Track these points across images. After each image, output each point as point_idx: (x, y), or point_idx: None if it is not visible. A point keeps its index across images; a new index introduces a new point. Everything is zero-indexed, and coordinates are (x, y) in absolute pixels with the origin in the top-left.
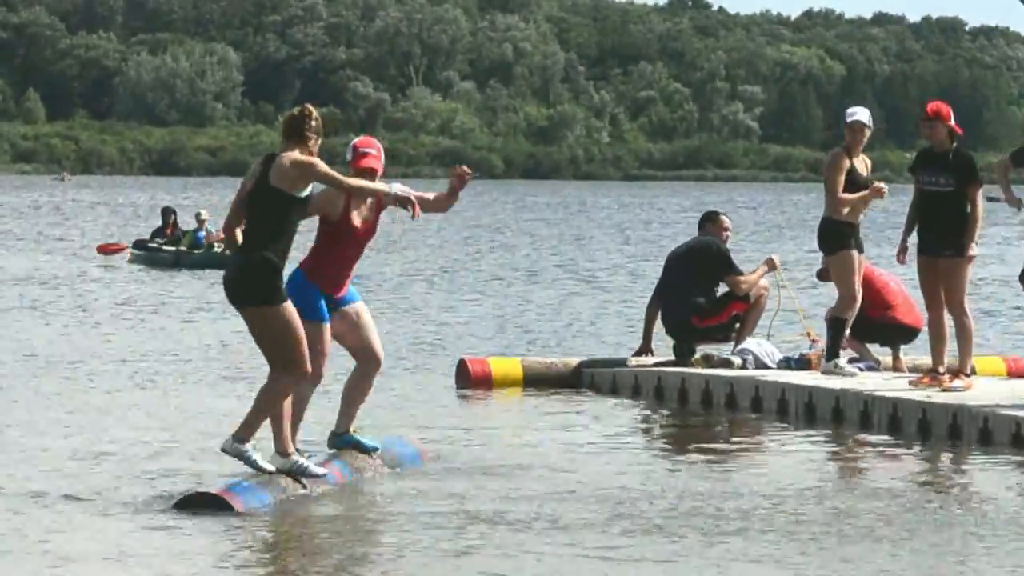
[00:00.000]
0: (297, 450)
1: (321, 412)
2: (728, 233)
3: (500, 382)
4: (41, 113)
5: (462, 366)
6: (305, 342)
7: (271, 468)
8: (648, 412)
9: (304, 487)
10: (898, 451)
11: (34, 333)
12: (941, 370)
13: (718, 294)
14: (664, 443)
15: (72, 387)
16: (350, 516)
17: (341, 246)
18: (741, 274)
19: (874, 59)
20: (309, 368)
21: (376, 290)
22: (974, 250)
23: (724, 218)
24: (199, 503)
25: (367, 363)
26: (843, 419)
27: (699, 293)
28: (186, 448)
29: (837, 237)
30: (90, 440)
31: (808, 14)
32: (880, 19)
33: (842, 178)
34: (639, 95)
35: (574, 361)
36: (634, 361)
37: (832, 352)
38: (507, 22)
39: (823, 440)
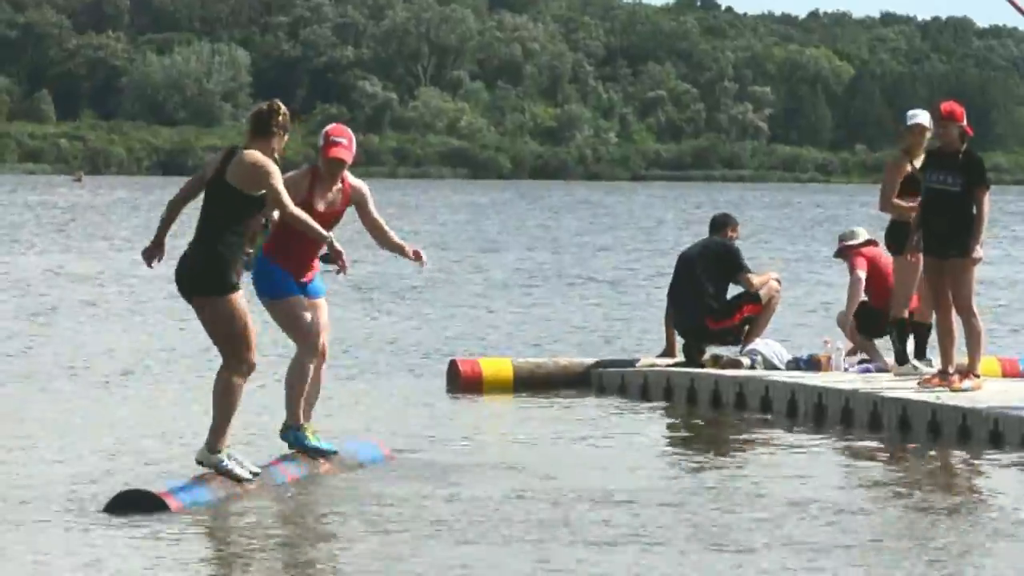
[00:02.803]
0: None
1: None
2: (737, 237)
3: (491, 383)
4: (50, 113)
5: (452, 367)
6: (254, 333)
7: (250, 473)
8: (655, 413)
9: (241, 480)
10: (908, 452)
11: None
12: (950, 371)
13: (729, 296)
14: (670, 445)
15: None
16: (292, 516)
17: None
18: (752, 272)
19: (883, 59)
20: (255, 361)
21: (381, 290)
22: (979, 252)
23: (738, 226)
24: (132, 503)
25: (306, 356)
26: (853, 420)
27: (712, 295)
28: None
29: (902, 239)
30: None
31: (816, 14)
32: (889, 19)
33: (898, 181)
34: (647, 95)
35: (565, 361)
36: (646, 361)
37: (901, 356)
38: (515, 22)
39: (832, 441)
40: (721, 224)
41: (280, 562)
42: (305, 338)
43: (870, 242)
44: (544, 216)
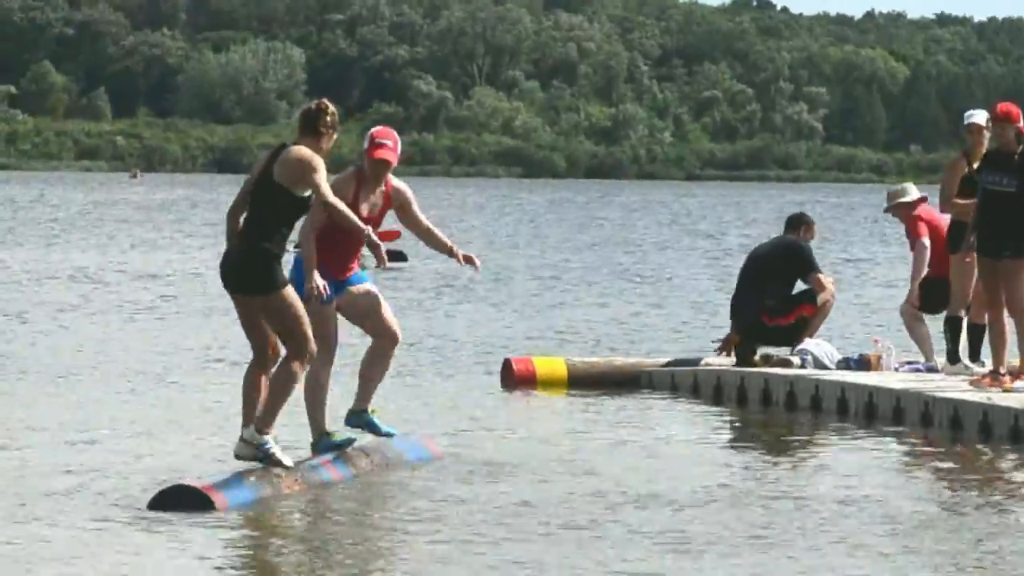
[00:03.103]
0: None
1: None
2: (812, 238)
3: (544, 381)
4: (106, 111)
5: (507, 365)
6: (308, 322)
7: (289, 463)
8: (706, 413)
9: (288, 478)
10: (958, 453)
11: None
12: (1002, 371)
13: (790, 294)
14: (721, 444)
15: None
16: (339, 514)
17: (346, 232)
18: (822, 274)
19: (938, 60)
20: (315, 348)
21: (436, 288)
22: None
23: (814, 226)
24: (177, 500)
25: (381, 341)
26: (903, 420)
27: (773, 293)
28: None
29: (959, 238)
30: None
31: (872, 14)
32: (944, 20)
33: (956, 181)
34: (702, 95)
35: (619, 360)
36: (715, 360)
37: (953, 355)
38: (571, 21)
39: (882, 441)
40: (796, 223)
41: (323, 562)
42: (305, 340)
43: (923, 199)
44: (600, 215)
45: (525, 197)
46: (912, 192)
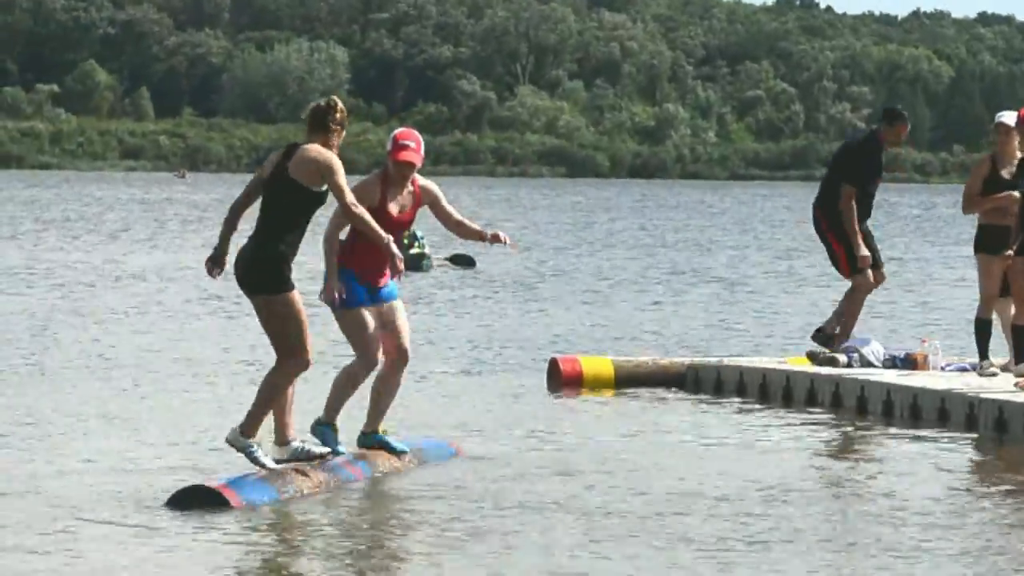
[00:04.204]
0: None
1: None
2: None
3: (591, 381)
4: (150, 110)
5: (553, 365)
6: (307, 330)
7: (273, 464)
8: (751, 411)
9: (307, 478)
10: (1004, 453)
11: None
12: None
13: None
14: (773, 443)
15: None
16: (359, 513)
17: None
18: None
19: (982, 59)
20: (311, 357)
21: (483, 287)
22: None
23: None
24: (193, 499)
25: (391, 359)
26: (948, 420)
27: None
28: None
29: (977, 239)
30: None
31: (916, 14)
32: (988, 19)
33: (978, 183)
34: (746, 95)
35: (666, 360)
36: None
37: (981, 353)
38: (614, 20)
39: (927, 442)
40: (895, 117)
41: (339, 561)
42: (365, 350)
43: None
44: (645, 215)
45: (569, 197)
46: None
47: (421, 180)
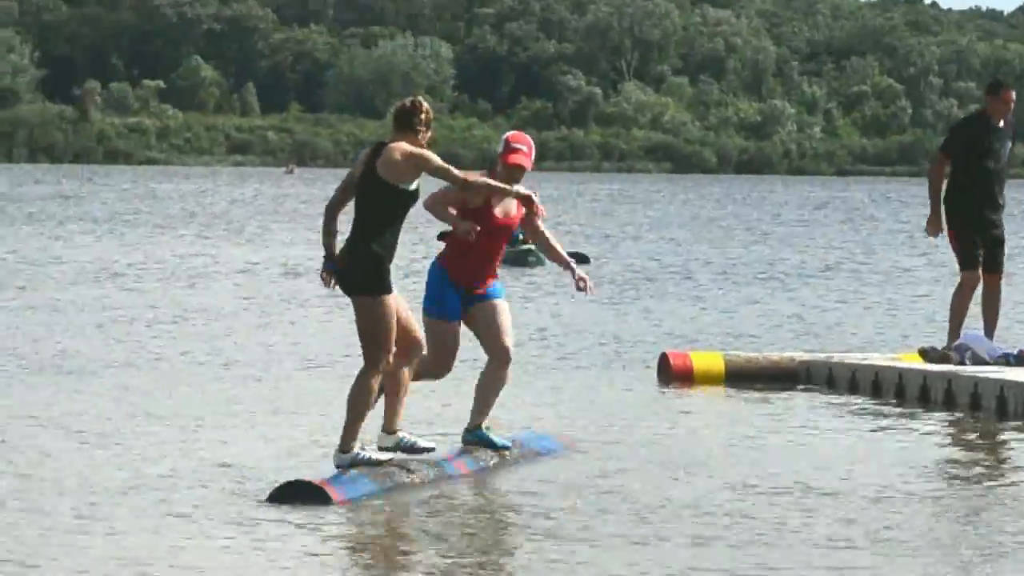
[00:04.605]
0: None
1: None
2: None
3: (702, 376)
4: (255, 105)
5: (664, 360)
6: (393, 337)
7: (385, 457)
8: (864, 408)
9: (411, 472)
10: None
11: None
12: None
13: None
14: (887, 441)
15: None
16: (462, 509)
17: (481, 238)
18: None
19: None
20: (391, 362)
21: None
22: None
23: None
24: (295, 494)
25: (496, 358)
26: None
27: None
28: None
29: None
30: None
31: (1022, 9)
32: None
33: None
34: (852, 90)
35: (777, 356)
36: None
37: None
38: (718, 16)
39: None
40: (999, 86)
41: (442, 557)
42: (436, 359)
43: None
44: (754, 210)
45: (677, 192)
46: None
47: (523, 189)
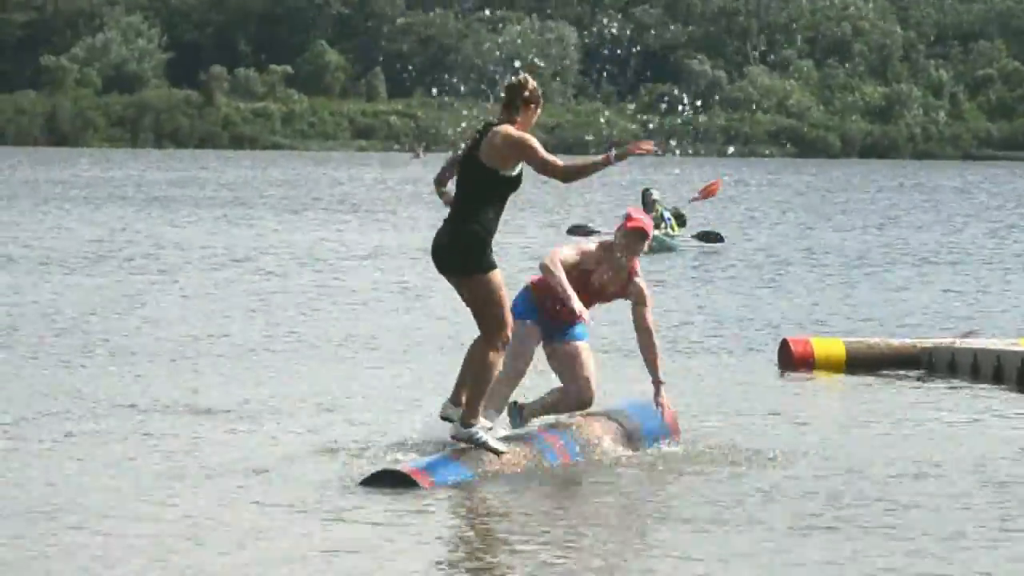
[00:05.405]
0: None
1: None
2: None
3: (822, 362)
4: (381, 90)
5: (784, 346)
6: (509, 310)
7: (503, 448)
8: (986, 393)
9: (503, 452)
10: None
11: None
12: None
13: None
14: (1009, 428)
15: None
16: (558, 496)
17: (572, 276)
18: None
19: None
20: (509, 335)
21: (713, 268)
22: None
23: None
24: (387, 481)
25: (569, 395)
26: None
27: None
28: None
29: None
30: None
31: None
32: None
33: None
34: (978, 73)
35: (898, 342)
36: None
37: None
38: (845, 0)
39: None
40: None
41: (534, 548)
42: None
43: None
44: (880, 194)
45: (802, 176)
46: None
47: (641, 281)
